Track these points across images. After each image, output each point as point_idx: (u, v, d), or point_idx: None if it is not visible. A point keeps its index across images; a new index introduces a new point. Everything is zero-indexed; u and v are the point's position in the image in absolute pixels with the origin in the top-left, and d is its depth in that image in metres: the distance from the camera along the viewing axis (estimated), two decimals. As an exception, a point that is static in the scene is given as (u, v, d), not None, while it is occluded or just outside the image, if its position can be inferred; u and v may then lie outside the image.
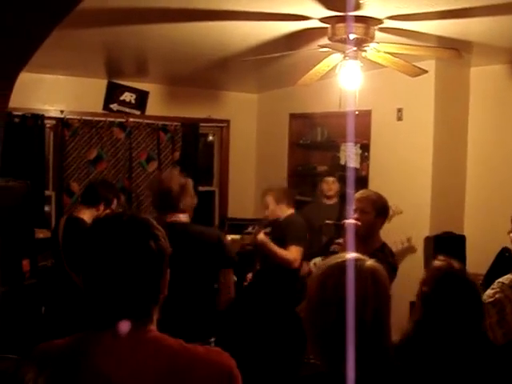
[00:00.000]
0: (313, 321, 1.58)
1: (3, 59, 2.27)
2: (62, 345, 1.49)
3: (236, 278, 4.97)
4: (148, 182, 6.02)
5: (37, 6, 2.09)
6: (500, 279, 2.74)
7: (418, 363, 1.99)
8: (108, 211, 4.42)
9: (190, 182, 3.43)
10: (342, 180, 5.91)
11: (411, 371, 1.67)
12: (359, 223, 3.47)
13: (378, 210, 3.54)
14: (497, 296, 2.63)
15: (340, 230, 3.72)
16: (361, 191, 3.74)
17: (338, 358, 1.51)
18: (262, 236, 4.52)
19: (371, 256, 3.25)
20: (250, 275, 5.06)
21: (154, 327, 1.50)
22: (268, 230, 4.66)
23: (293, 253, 4.48)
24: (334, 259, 1.62)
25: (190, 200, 3.37)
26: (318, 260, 5.34)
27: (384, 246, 3.56)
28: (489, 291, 2.73)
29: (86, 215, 4.27)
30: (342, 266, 1.56)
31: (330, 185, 5.82)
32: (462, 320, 2.10)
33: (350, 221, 3.52)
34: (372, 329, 1.51)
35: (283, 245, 4.50)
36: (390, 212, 3.90)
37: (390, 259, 3.43)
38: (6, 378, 1.04)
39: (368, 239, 3.48)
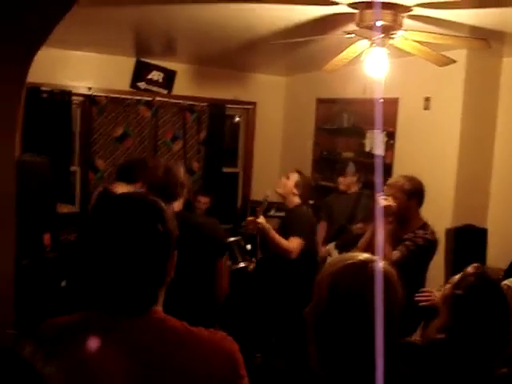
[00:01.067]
0: (321, 322, 1.55)
1: (22, 32, 2.28)
2: (68, 322, 1.51)
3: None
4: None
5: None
6: (506, 281, 2.68)
7: (442, 370, 1.97)
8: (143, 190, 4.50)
9: (177, 168, 3.39)
10: (367, 167, 5.88)
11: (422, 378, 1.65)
12: (392, 204, 3.58)
13: (409, 194, 3.65)
14: None
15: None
16: (391, 178, 3.87)
17: (345, 362, 1.51)
18: (262, 220, 4.34)
19: (409, 235, 3.50)
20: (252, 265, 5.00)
21: (160, 308, 1.52)
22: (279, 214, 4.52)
23: (292, 243, 4.29)
24: (344, 260, 1.58)
25: (181, 187, 3.34)
26: (331, 245, 5.34)
27: (424, 225, 3.69)
28: None
29: (122, 191, 4.33)
30: (354, 267, 1.54)
31: (345, 179, 5.74)
32: (491, 330, 2.06)
33: (383, 201, 3.59)
34: (384, 333, 1.48)
35: (286, 234, 4.34)
36: None
37: (428, 236, 3.60)
38: (5, 351, 1.07)
39: (406, 222, 3.67)
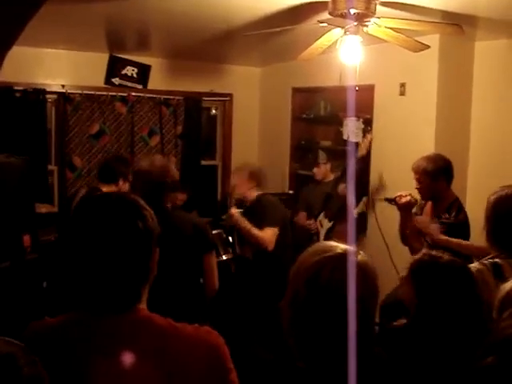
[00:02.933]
0: (299, 315, 1.54)
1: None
2: (54, 325, 1.51)
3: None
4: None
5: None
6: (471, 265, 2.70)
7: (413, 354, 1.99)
8: (127, 185, 4.51)
9: (173, 170, 3.37)
10: (345, 154, 5.90)
11: (399, 363, 1.66)
12: (409, 199, 3.86)
13: (433, 175, 3.87)
14: None
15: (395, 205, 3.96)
16: (415, 161, 4.02)
17: (324, 353, 1.50)
18: (235, 213, 4.36)
19: (444, 212, 3.79)
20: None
21: (143, 306, 1.52)
22: (239, 210, 4.52)
23: (268, 234, 4.29)
24: (322, 253, 1.56)
25: (173, 196, 3.33)
26: (321, 216, 5.38)
27: (453, 204, 3.90)
28: None
29: (106, 190, 4.36)
30: (332, 260, 1.52)
31: (319, 169, 5.81)
32: (456, 310, 2.10)
33: (401, 199, 3.85)
34: (360, 324, 1.48)
35: (258, 226, 4.34)
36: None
37: (451, 219, 3.82)
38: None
39: (438, 200, 3.92)
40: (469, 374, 1.31)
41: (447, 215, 3.79)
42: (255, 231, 4.31)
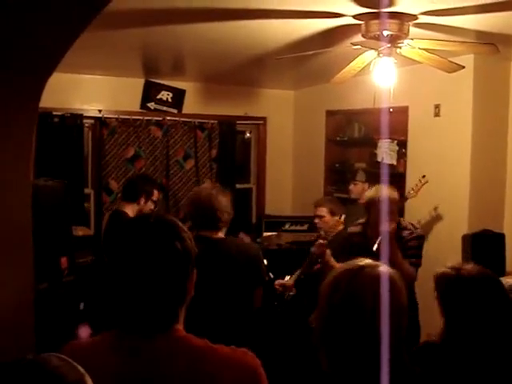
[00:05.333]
0: (324, 329, 1.55)
1: (33, 59, 2.32)
2: (90, 344, 1.52)
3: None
4: (188, 198, 5.73)
5: (65, 6, 2.14)
6: None
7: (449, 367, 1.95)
8: (150, 203, 4.56)
9: (228, 198, 3.36)
10: (379, 177, 5.85)
11: (435, 377, 1.64)
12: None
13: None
14: None
15: None
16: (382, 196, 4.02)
17: (350, 367, 1.50)
18: (328, 252, 4.19)
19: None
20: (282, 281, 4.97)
21: (180, 327, 1.52)
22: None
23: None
24: (342, 267, 1.58)
25: (227, 216, 3.33)
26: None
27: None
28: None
29: (129, 210, 4.45)
30: (351, 273, 1.53)
31: (355, 186, 5.82)
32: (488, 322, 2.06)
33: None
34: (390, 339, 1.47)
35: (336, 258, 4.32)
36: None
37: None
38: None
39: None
40: None
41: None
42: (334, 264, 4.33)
